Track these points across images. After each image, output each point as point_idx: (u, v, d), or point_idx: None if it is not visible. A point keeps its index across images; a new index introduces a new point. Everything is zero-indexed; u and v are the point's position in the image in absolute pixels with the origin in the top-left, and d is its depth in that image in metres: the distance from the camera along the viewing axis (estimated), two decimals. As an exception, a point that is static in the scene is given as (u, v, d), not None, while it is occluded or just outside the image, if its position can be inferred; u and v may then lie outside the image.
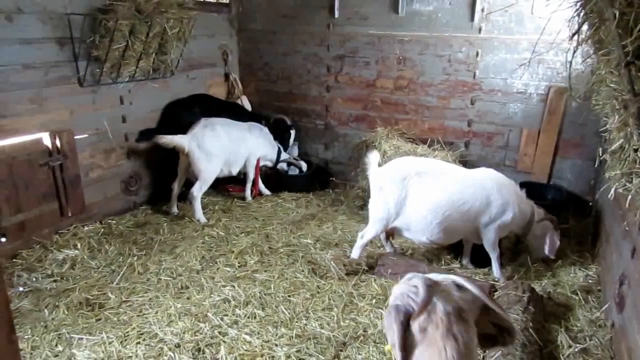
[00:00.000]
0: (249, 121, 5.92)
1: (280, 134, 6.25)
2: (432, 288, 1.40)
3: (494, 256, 4.07)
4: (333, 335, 3.24)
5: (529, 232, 4.09)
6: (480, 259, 4.27)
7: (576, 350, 3.13)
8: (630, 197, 1.99)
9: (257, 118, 6.21)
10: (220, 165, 5.27)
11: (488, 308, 1.45)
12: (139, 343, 3.16)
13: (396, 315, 1.35)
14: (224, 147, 5.22)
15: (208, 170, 5.12)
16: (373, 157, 4.18)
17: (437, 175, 3.93)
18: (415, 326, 1.35)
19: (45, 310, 3.50)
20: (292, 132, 6.35)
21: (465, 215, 3.88)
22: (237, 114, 5.99)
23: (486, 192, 3.88)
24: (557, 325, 3.41)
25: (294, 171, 6.32)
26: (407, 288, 1.43)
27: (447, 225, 3.88)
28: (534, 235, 4.09)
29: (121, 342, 3.17)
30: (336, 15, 5.93)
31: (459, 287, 1.45)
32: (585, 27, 2.31)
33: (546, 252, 4.02)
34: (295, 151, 6.56)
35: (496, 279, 4.03)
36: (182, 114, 5.53)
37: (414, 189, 3.90)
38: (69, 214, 4.66)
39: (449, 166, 4.18)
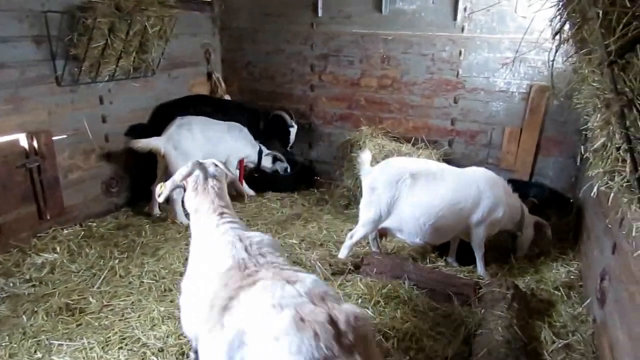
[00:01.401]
0: (248, 119, 5.88)
1: (278, 132, 6.16)
2: (196, 166, 2.77)
3: (479, 255, 4.11)
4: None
5: (522, 227, 4.18)
6: (464, 257, 4.30)
7: (560, 346, 3.17)
8: (612, 195, 2.00)
9: (256, 115, 6.15)
10: None
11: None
12: (121, 348, 3.10)
13: (173, 182, 2.79)
14: (201, 147, 5.09)
15: None
16: (365, 157, 4.15)
17: (430, 176, 3.94)
18: (189, 187, 2.72)
19: (24, 317, 3.41)
20: (293, 130, 6.14)
21: (458, 214, 3.91)
22: (236, 112, 5.94)
23: (478, 190, 3.92)
24: (540, 321, 3.45)
25: (280, 166, 6.19)
26: (185, 169, 2.77)
27: (440, 226, 3.90)
28: (527, 226, 4.19)
29: (102, 347, 3.10)
30: (320, 14, 5.90)
31: (216, 165, 2.85)
32: (566, 26, 2.34)
33: (548, 235, 4.21)
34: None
35: (480, 277, 4.06)
36: (178, 114, 5.35)
37: (407, 191, 3.90)
38: (48, 217, 4.56)
39: (441, 166, 4.18)
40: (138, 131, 5.00)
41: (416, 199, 3.89)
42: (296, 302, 1.63)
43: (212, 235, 2.39)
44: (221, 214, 2.54)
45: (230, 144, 5.52)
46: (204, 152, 5.12)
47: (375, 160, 4.68)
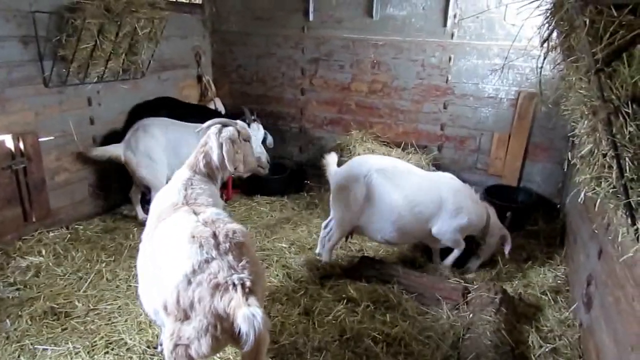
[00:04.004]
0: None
1: None
2: (220, 122, 3.19)
3: (457, 252, 4.20)
4: (309, 340, 3.21)
5: (487, 236, 4.21)
6: (456, 261, 4.31)
7: (547, 350, 3.19)
8: (598, 200, 2.03)
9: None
10: (164, 167, 4.84)
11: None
12: (107, 353, 3.06)
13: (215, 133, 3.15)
14: (164, 148, 4.83)
15: (153, 176, 4.77)
16: (331, 159, 4.24)
17: (397, 174, 3.99)
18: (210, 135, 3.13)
19: (7, 321, 3.34)
20: (257, 127, 5.55)
21: (417, 216, 3.95)
22: (206, 116, 5.83)
23: (440, 196, 3.96)
24: (528, 325, 3.47)
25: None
26: (214, 121, 3.25)
27: (402, 225, 3.95)
28: (491, 235, 4.21)
29: (88, 352, 3.06)
30: (311, 18, 5.92)
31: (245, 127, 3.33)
32: (554, 34, 2.37)
33: (506, 252, 4.20)
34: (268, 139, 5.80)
35: (442, 266, 4.18)
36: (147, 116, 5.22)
37: (372, 186, 3.95)
38: (33, 220, 4.49)
39: (408, 166, 4.22)
40: (114, 141, 4.91)
41: (379, 194, 3.94)
42: (192, 226, 2.29)
43: (173, 183, 2.89)
44: (194, 170, 2.98)
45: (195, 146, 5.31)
46: (167, 153, 4.88)
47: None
